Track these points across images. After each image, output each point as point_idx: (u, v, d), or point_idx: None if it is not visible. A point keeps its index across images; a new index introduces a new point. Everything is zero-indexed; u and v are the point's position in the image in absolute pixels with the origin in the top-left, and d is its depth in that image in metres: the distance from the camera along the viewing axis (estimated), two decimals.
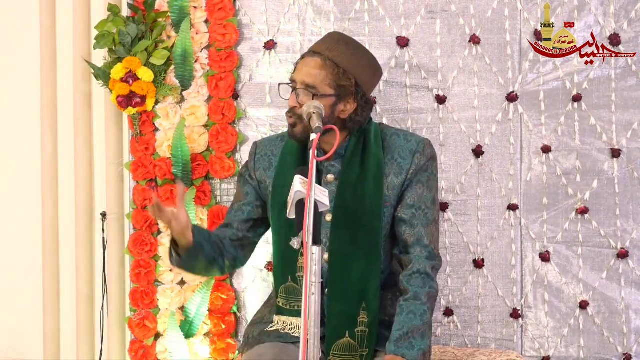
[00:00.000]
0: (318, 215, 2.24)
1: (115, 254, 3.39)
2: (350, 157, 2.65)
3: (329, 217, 2.63)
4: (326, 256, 2.62)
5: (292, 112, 2.61)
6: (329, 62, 2.60)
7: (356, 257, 2.60)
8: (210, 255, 2.63)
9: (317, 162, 2.63)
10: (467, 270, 3.24)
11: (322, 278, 2.60)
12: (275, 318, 2.67)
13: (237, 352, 3.27)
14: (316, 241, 2.22)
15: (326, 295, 2.61)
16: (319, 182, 2.64)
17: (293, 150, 2.69)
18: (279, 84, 2.69)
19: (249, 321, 2.88)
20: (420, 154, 2.66)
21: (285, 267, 2.64)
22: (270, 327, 2.67)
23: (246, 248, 2.79)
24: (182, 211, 2.47)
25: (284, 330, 2.65)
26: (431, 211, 2.65)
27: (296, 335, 2.61)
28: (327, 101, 2.59)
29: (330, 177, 2.67)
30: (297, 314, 2.61)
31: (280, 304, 2.66)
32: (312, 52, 2.65)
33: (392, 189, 2.65)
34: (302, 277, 2.60)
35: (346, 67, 2.61)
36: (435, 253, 2.64)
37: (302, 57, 2.67)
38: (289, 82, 2.65)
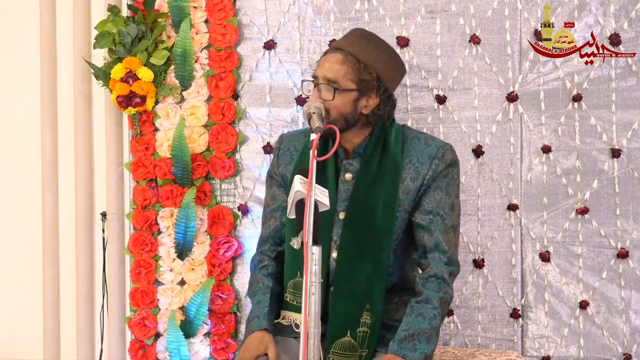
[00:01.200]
0: (318, 215, 2.24)
1: (115, 254, 3.39)
2: (369, 158, 2.64)
3: (342, 216, 2.63)
4: (335, 254, 2.62)
5: None
6: (350, 57, 2.59)
7: (364, 257, 2.60)
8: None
9: (336, 161, 2.64)
10: (467, 270, 3.24)
11: (328, 275, 2.61)
12: (282, 313, 2.68)
13: (237, 352, 3.27)
14: (316, 241, 2.21)
15: (331, 293, 2.61)
16: (335, 180, 2.64)
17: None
18: (302, 81, 2.70)
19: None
20: (439, 159, 2.63)
21: (295, 262, 2.64)
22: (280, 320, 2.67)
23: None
24: None
25: (288, 324, 2.66)
26: (449, 217, 2.63)
27: (299, 331, 2.61)
28: (350, 96, 2.59)
29: (348, 175, 2.66)
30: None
31: (288, 299, 2.66)
32: (334, 48, 2.64)
33: (407, 193, 2.63)
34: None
35: (367, 62, 2.60)
36: (453, 259, 2.62)
37: (325, 53, 2.67)
38: (312, 78, 2.64)
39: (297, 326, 2.64)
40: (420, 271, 2.67)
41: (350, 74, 2.59)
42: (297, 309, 2.63)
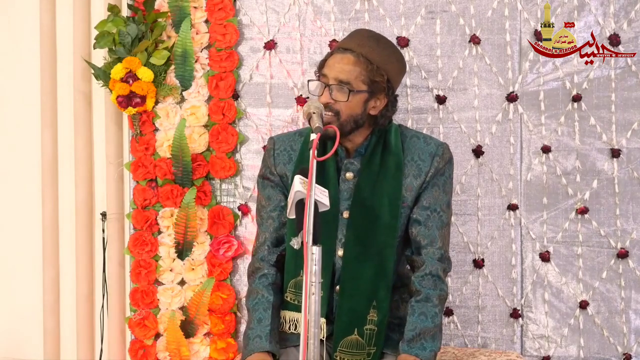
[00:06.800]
0: (318, 215, 2.24)
1: (115, 254, 3.39)
2: (370, 156, 2.66)
3: (346, 214, 2.64)
4: (340, 252, 2.63)
5: (328, 108, 2.59)
6: (362, 58, 2.60)
7: (370, 255, 2.61)
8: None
9: (337, 160, 2.65)
10: (467, 270, 3.24)
11: (334, 275, 2.61)
12: (282, 313, 2.67)
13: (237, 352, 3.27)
14: (316, 241, 2.21)
15: (336, 292, 2.62)
16: (337, 179, 2.65)
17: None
18: (308, 81, 2.69)
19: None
20: (439, 157, 2.67)
21: (297, 261, 2.64)
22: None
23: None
24: None
25: (286, 328, 2.65)
26: (445, 214, 2.66)
27: (300, 332, 2.61)
28: (361, 97, 2.60)
29: (349, 174, 2.67)
30: None
31: (288, 299, 2.66)
32: (342, 49, 2.63)
33: (410, 190, 2.65)
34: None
35: (378, 63, 2.61)
36: (446, 256, 2.66)
37: (331, 54, 2.65)
38: (316, 77, 2.63)
39: (297, 326, 2.65)
40: (411, 268, 2.68)
41: (363, 75, 2.60)
42: (298, 308, 2.63)
